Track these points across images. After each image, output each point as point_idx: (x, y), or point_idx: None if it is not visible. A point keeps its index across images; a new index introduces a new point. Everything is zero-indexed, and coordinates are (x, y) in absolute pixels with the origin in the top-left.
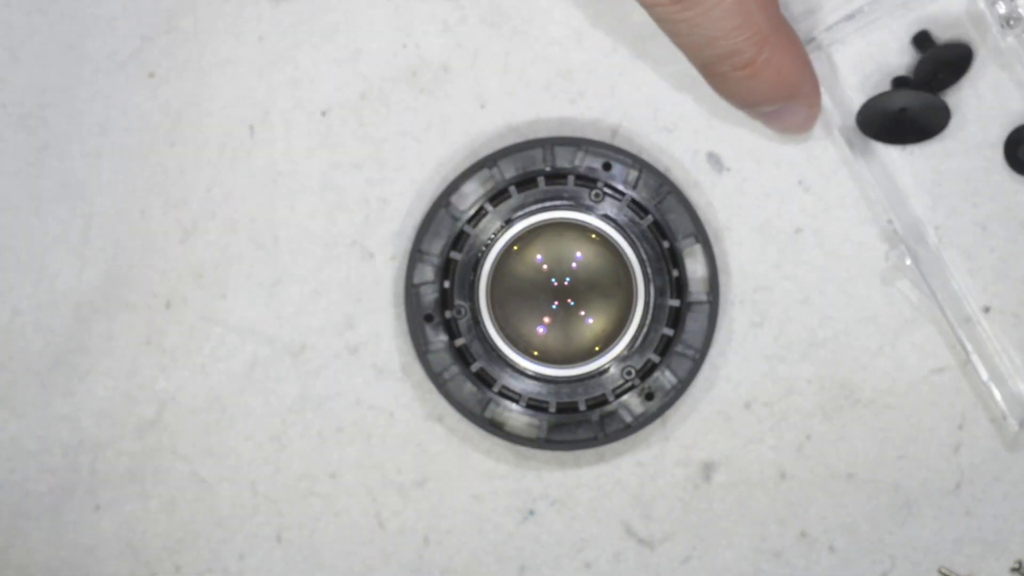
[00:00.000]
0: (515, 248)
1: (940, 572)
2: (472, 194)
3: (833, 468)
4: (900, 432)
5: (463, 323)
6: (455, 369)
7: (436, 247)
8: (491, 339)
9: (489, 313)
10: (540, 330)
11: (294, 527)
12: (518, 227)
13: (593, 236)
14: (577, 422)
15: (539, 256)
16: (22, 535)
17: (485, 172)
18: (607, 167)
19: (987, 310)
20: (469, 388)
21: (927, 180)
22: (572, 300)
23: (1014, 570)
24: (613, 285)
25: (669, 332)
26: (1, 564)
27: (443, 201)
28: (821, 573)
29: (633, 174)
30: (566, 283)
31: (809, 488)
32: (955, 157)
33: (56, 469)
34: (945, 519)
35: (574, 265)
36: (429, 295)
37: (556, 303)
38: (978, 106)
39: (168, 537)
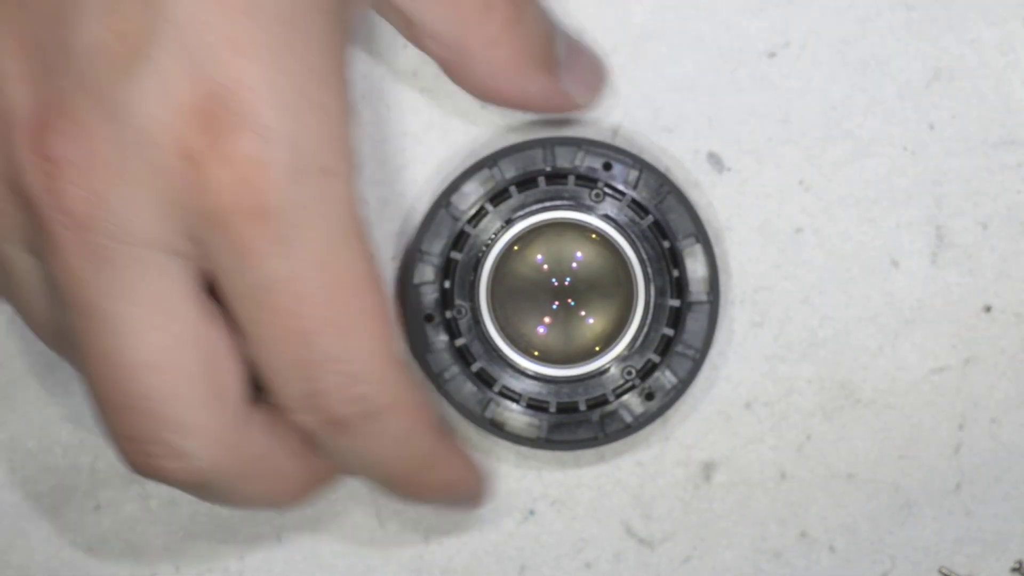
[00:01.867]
0: (515, 248)
1: (940, 572)
2: (472, 194)
3: (833, 468)
4: (900, 432)
5: (463, 323)
6: (455, 369)
7: (436, 247)
8: (491, 339)
9: (489, 313)
10: (540, 330)
11: (294, 527)
12: (518, 227)
13: (593, 236)
14: (577, 422)
15: (539, 256)
16: (22, 535)
17: (485, 172)
18: (607, 167)
19: (988, 309)
20: (469, 388)
21: (927, 180)
22: (572, 300)
23: (1014, 570)
24: (613, 285)
25: (669, 332)
26: (1, 564)
27: (443, 201)
28: (821, 573)
29: (633, 174)
30: (566, 283)
31: (809, 488)
32: (956, 156)
33: (56, 469)
34: (945, 519)
35: (574, 265)
36: (429, 295)
37: (556, 303)
38: (980, 104)
39: (168, 537)
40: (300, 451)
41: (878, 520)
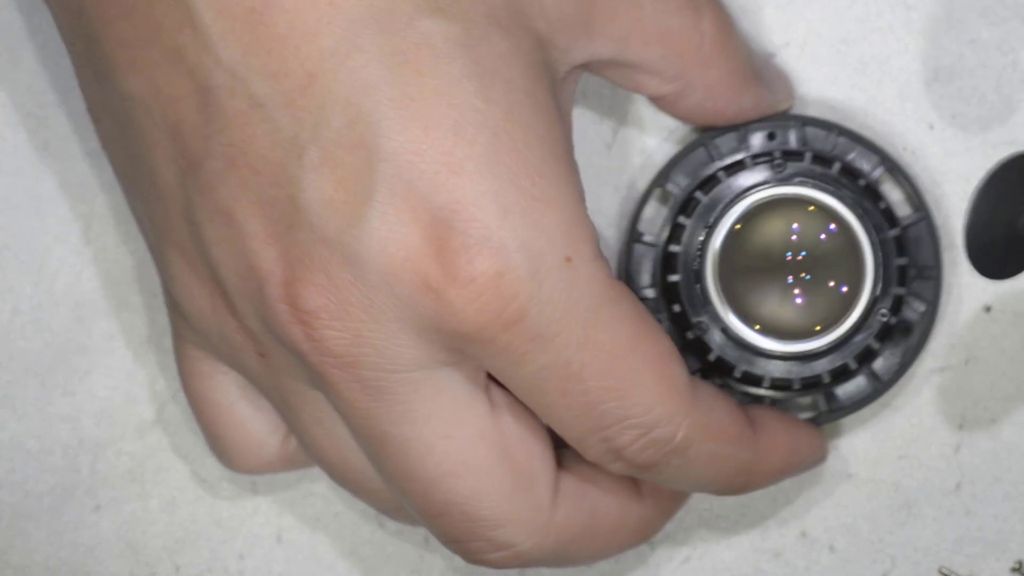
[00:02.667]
0: (730, 245)
1: (940, 572)
2: (658, 215)
3: (833, 468)
4: (900, 432)
5: (710, 337)
6: (716, 382)
7: (646, 279)
8: (745, 340)
9: (733, 315)
10: (787, 311)
11: (294, 527)
12: (724, 225)
13: (802, 204)
14: (851, 383)
15: (754, 244)
16: (22, 535)
17: (659, 192)
18: (772, 136)
19: (988, 310)
20: (737, 397)
21: (927, 180)
22: (804, 270)
23: (1014, 570)
24: (834, 240)
25: (903, 261)
26: (1, 564)
27: (634, 234)
28: (821, 573)
29: (799, 133)
30: (791, 257)
31: (809, 488)
32: (956, 156)
33: (56, 469)
34: (945, 519)
35: (793, 238)
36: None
37: (791, 278)
38: (980, 104)
39: (168, 537)
40: (628, 494)
41: (878, 520)
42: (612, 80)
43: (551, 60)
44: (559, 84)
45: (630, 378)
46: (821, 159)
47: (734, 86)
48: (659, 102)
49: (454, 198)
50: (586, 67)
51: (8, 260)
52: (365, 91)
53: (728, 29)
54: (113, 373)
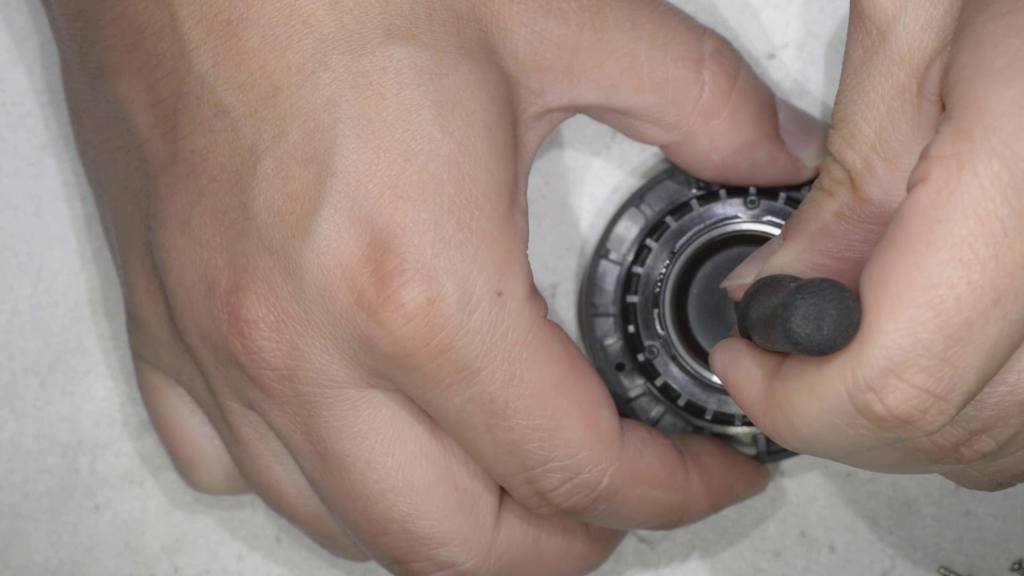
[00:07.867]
0: (691, 275)
1: (940, 572)
2: (628, 235)
3: (833, 467)
4: None
5: (658, 362)
6: (660, 408)
7: (607, 298)
8: (692, 370)
9: (683, 345)
10: None
11: (293, 527)
12: (687, 253)
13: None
14: None
15: (713, 276)
16: (22, 535)
17: (634, 211)
18: None
19: None
20: (680, 424)
21: None
22: None
23: (1013, 570)
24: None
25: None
26: (1, 564)
27: (601, 251)
28: (821, 573)
29: None
30: None
31: (809, 488)
32: None
33: (56, 469)
34: (945, 519)
35: None
36: (614, 345)
37: None
38: None
39: (167, 537)
40: (572, 525)
41: (878, 520)
42: (612, 126)
43: (519, 99)
44: (527, 123)
45: (555, 419)
46: (795, 201)
47: (741, 140)
48: (666, 151)
49: (395, 221)
50: (578, 110)
51: (8, 260)
52: (326, 108)
53: (734, 80)
54: (112, 373)
